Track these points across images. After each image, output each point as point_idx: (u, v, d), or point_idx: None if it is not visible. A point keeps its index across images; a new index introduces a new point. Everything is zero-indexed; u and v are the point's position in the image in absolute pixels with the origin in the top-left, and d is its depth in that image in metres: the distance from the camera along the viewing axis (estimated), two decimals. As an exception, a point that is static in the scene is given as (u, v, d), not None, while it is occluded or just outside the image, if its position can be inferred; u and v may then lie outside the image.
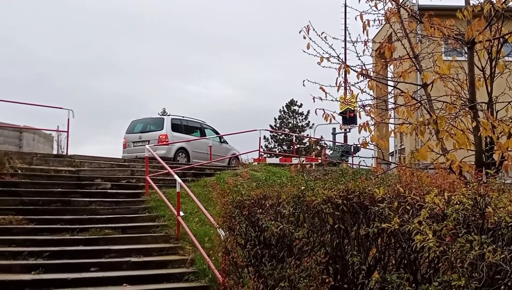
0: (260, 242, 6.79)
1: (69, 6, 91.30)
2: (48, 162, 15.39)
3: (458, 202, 4.20)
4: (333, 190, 5.52)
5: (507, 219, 3.80)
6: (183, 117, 22.80)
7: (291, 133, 53.11)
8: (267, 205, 6.64)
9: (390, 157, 22.51)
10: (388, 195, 5.01)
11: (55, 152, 23.43)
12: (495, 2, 6.69)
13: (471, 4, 7.10)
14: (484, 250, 3.78)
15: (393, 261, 5.27)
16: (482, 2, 6.90)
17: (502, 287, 3.88)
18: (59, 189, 13.01)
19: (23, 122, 22.27)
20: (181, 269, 9.75)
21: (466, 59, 7.41)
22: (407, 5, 8.27)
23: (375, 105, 8.42)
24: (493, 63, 7.47)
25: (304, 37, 7.77)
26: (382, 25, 8.37)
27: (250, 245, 7.00)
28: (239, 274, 7.53)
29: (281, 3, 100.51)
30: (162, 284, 9.23)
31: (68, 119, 18.07)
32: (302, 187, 5.93)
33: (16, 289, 8.29)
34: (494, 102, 7.39)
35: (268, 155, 30.05)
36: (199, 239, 10.09)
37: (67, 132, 18.68)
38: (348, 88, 8.37)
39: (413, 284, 4.73)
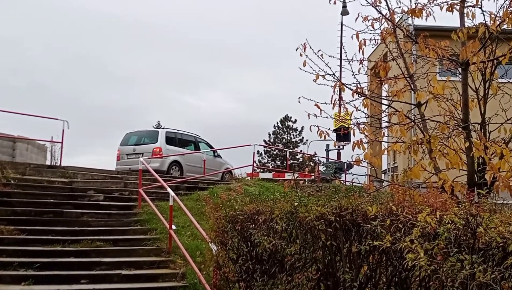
0: (252, 257, 6.79)
1: (69, 15, 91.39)
2: (41, 173, 15.34)
3: (450, 222, 4.23)
4: (326, 206, 5.55)
5: (497, 240, 3.84)
6: (177, 130, 22.83)
7: (284, 149, 53.15)
8: (260, 220, 6.66)
9: (382, 175, 22.58)
10: (380, 213, 5.04)
11: (48, 162, 23.32)
12: (489, 24, 6.78)
13: (466, 26, 7.19)
14: (475, 269, 3.81)
15: (384, 279, 5.29)
16: (477, 24, 6.98)
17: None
18: (52, 200, 12.96)
19: (17, 131, 22.22)
20: (172, 283, 9.72)
21: (460, 79, 7.49)
22: (403, 26, 8.35)
23: (369, 123, 8.46)
24: (487, 84, 7.54)
25: (301, 55, 7.84)
26: (377, 45, 8.44)
27: (242, 260, 7.00)
28: (230, 289, 7.52)
29: (282, 17, 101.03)
30: (152, 297, 9.20)
31: (63, 130, 18.05)
32: (296, 203, 5.96)
33: (5, 300, 8.25)
34: (487, 123, 7.45)
35: (262, 170, 30.02)
36: (191, 253, 10.07)
37: (61, 143, 18.64)
38: (343, 105, 8.43)
39: (404, 302, 4.76)
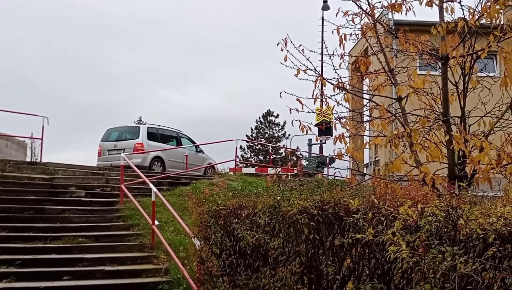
0: (236, 252, 6.80)
1: (51, 9, 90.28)
2: (21, 169, 15.20)
3: (431, 214, 4.28)
4: (308, 200, 5.57)
5: (478, 231, 3.88)
6: (159, 126, 22.74)
7: (267, 144, 53.22)
8: (243, 215, 6.66)
9: (364, 168, 22.72)
10: (362, 206, 5.07)
11: (28, 159, 23.08)
12: (468, 19, 6.85)
13: (445, 21, 7.26)
14: (456, 261, 3.86)
15: (367, 272, 5.33)
16: (456, 19, 7.05)
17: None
18: (32, 197, 12.87)
19: (-4, 128, 21.89)
20: (156, 278, 9.71)
21: (440, 74, 7.56)
22: (383, 20, 8.40)
23: (350, 117, 8.51)
24: (466, 78, 7.62)
25: (282, 50, 7.86)
26: (358, 39, 8.49)
27: (225, 254, 7.00)
28: (214, 283, 7.52)
29: (263, 13, 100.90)
30: (136, 293, 9.18)
31: (43, 126, 17.93)
32: (278, 198, 5.97)
33: (-14, 298, 8.18)
34: (467, 116, 7.53)
35: (244, 165, 30.02)
36: (174, 248, 10.06)
37: (41, 139, 18.49)
38: (324, 100, 8.46)
39: (387, 294, 4.80)
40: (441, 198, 4.57)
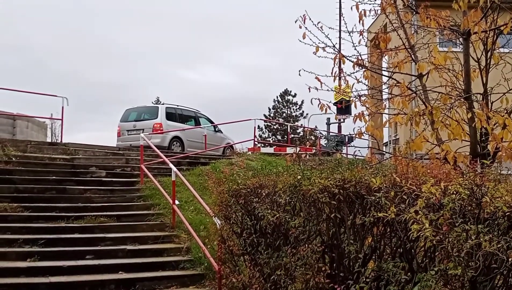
0: (256, 231, 6.83)
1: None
2: (42, 150, 15.35)
3: (455, 192, 4.25)
4: (329, 179, 5.55)
5: (504, 209, 3.85)
6: (177, 106, 22.75)
7: (285, 123, 53.08)
8: (263, 194, 6.68)
9: (384, 147, 22.60)
10: (384, 185, 5.05)
11: (49, 140, 23.36)
12: (491, -7, 6.72)
13: (468, -5, 7.13)
14: (481, 239, 3.83)
15: (389, 250, 5.32)
16: (479, -7, 6.92)
17: (498, 276, 3.94)
18: (54, 177, 12.99)
19: (17, 109, 22.18)
20: (177, 257, 9.80)
21: (462, 50, 7.45)
22: (404, -4, 8.28)
23: (370, 95, 8.43)
24: (489, 54, 7.49)
25: (300, 27, 7.78)
26: (377, 16, 8.38)
27: (246, 233, 7.03)
28: (235, 262, 7.58)
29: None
30: (157, 272, 9.27)
31: (63, 107, 18.02)
32: (299, 177, 5.96)
33: (11, 276, 8.27)
34: (489, 93, 7.43)
35: (263, 145, 30.02)
36: (195, 227, 10.13)
37: (61, 120, 18.64)
38: (343, 78, 8.39)
39: (409, 273, 4.79)
40: (464, 176, 4.52)
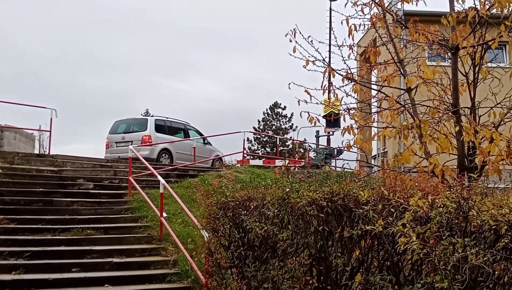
0: (244, 244, 6.80)
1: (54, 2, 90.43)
2: (30, 162, 15.23)
3: (442, 205, 4.25)
4: (317, 192, 5.55)
5: (490, 222, 3.86)
6: (166, 118, 22.72)
7: (274, 135, 53.19)
8: (252, 206, 6.66)
9: (372, 160, 22.66)
10: (372, 198, 5.06)
11: (37, 151, 23.19)
12: (479, 8, 6.78)
13: (456, 11, 7.19)
14: (467, 252, 3.83)
15: (376, 263, 5.32)
16: (467, 8, 6.99)
17: (484, 289, 3.93)
18: (41, 189, 12.88)
19: (4, 120, 21.97)
20: (164, 270, 9.71)
21: (450, 64, 7.50)
22: (393, 11, 8.34)
23: (359, 108, 8.46)
24: (477, 68, 7.55)
25: (290, 40, 7.82)
26: (367, 30, 8.43)
27: (234, 246, 7.00)
28: (222, 275, 7.53)
29: (271, 3, 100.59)
30: (144, 285, 9.17)
31: (51, 119, 17.93)
32: (287, 189, 5.96)
33: (-4, 289, 8.20)
34: (477, 107, 7.47)
35: (252, 157, 30.02)
36: (182, 240, 10.06)
37: (50, 131, 18.55)
38: (332, 91, 8.42)
39: (396, 286, 4.79)
40: (452, 190, 4.53)
